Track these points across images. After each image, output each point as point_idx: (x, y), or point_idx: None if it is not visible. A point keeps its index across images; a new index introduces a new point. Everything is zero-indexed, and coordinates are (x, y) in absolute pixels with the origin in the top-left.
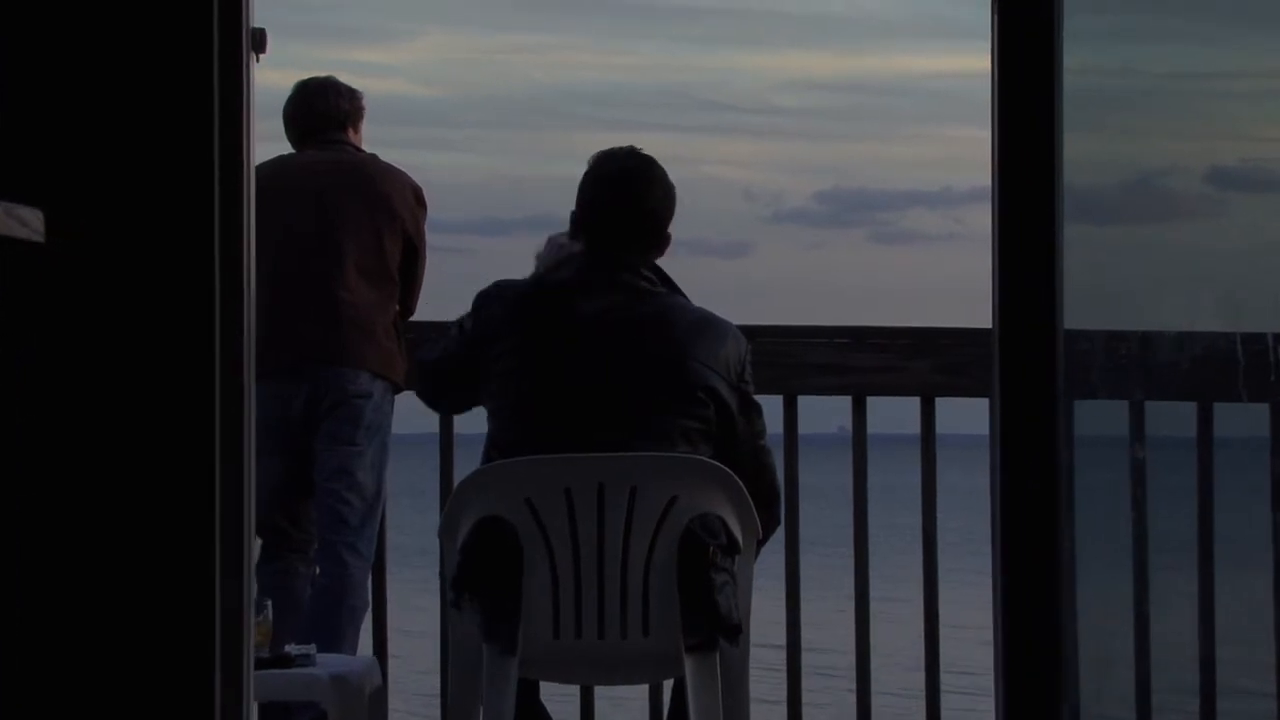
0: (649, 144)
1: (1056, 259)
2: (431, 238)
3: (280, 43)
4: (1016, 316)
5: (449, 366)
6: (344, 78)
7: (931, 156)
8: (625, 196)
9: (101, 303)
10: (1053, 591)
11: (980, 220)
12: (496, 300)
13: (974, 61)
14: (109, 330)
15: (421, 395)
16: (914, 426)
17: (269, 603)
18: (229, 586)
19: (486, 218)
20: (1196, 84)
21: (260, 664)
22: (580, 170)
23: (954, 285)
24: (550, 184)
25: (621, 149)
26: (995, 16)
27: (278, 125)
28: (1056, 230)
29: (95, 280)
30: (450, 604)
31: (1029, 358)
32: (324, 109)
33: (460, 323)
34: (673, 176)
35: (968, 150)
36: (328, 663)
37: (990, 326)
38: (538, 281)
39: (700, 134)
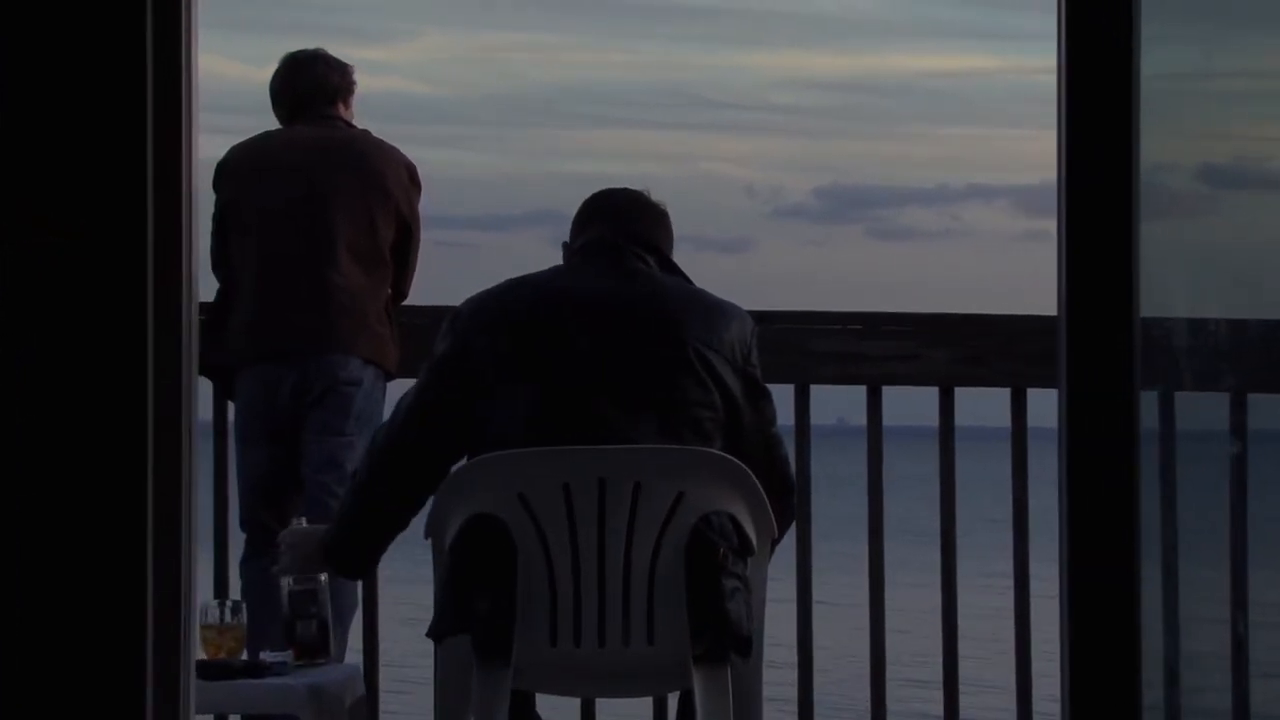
0: (648, 141)
1: (1133, 242)
2: (433, 232)
3: (278, 41)
4: (1089, 305)
5: (419, 418)
6: None
7: (926, 155)
8: (620, 203)
9: (10, 271)
10: (1129, 602)
11: (976, 217)
12: (468, 313)
13: (967, 61)
14: (15, 301)
15: (369, 483)
16: (917, 418)
17: (244, 605)
18: (164, 584)
19: (488, 214)
20: (1189, 84)
21: (232, 673)
22: (580, 164)
23: (953, 280)
24: (551, 180)
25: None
26: None
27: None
28: (1133, 211)
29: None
30: (428, 635)
31: (1104, 348)
32: (313, 83)
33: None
34: (672, 173)
35: (962, 149)
36: (305, 671)
37: (1006, 314)
38: (516, 280)
39: (699, 131)
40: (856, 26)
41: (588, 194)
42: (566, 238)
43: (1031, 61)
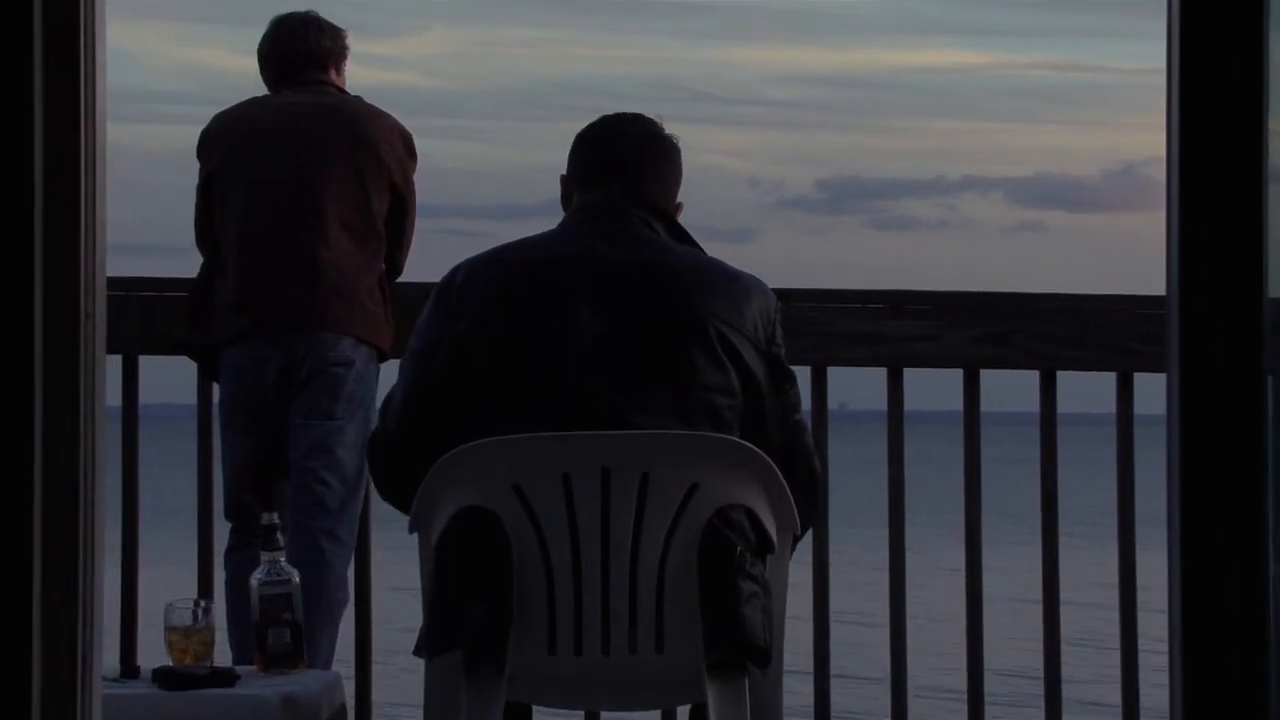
0: None
1: (1264, 212)
2: (447, 221)
3: None
4: (1210, 284)
5: (415, 395)
6: (354, 69)
7: (919, 147)
8: (623, 152)
9: None
10: (1258, 608)
11: (972, 208)
12: (457, 286)
13: (953, 56)
14: None
15: (384, 465)
16: (928, 402)
17: (211, 605)
18: (57, 581)
19: (494, 203)
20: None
21: (196, 682)
22: None
23: (952, 269)
24: (553, 171)
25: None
26: None
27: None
28: (1264, 186)
29: None
30: (415, 653)
31: (1230, 328)
32: (303, 46)
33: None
34: None
35: (955, 141)
36: (279, 679)
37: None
38: (508, 246)
39: (697, 124)
40: (839, 21)
41: None
42: None
43: (1019, 58)
